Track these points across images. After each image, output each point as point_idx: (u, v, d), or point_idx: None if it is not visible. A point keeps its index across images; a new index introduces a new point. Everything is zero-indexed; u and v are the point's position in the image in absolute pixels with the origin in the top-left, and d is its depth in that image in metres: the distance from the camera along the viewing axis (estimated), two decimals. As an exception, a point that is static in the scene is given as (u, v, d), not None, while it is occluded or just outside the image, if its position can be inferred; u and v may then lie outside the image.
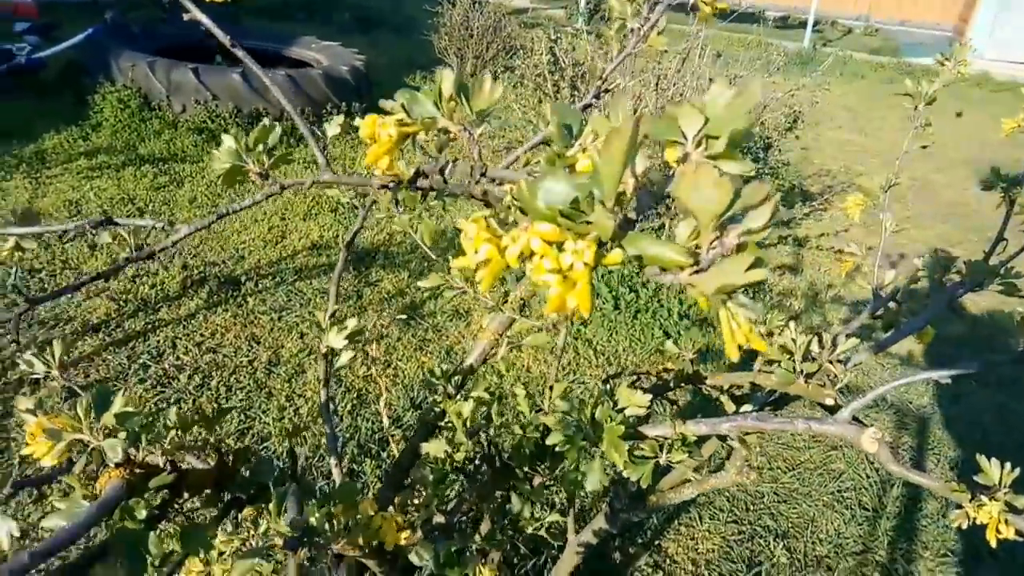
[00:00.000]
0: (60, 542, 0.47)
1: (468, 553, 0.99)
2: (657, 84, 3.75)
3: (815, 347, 0.97)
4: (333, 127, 0.63)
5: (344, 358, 1.12)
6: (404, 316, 3.47)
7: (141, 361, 2.89)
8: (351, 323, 1.09)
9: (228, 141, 0.68)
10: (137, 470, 0.56)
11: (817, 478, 2.84)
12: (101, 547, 0.56)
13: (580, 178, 0.34)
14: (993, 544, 0.81)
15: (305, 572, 0.52)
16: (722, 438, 1.04)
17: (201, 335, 3.12)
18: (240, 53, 0.84)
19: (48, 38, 5.93)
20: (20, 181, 4.20)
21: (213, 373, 2.89)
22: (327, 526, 0.57)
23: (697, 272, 0.32)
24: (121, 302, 3.23)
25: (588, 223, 0.32)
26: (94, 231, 0.77)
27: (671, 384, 1.15)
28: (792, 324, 1.01)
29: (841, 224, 6.36)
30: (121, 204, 4.12)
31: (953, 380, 1.00)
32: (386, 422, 1.34)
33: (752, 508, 2.65)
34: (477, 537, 1.08)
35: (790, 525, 2.59)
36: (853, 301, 4.43)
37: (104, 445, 0.50)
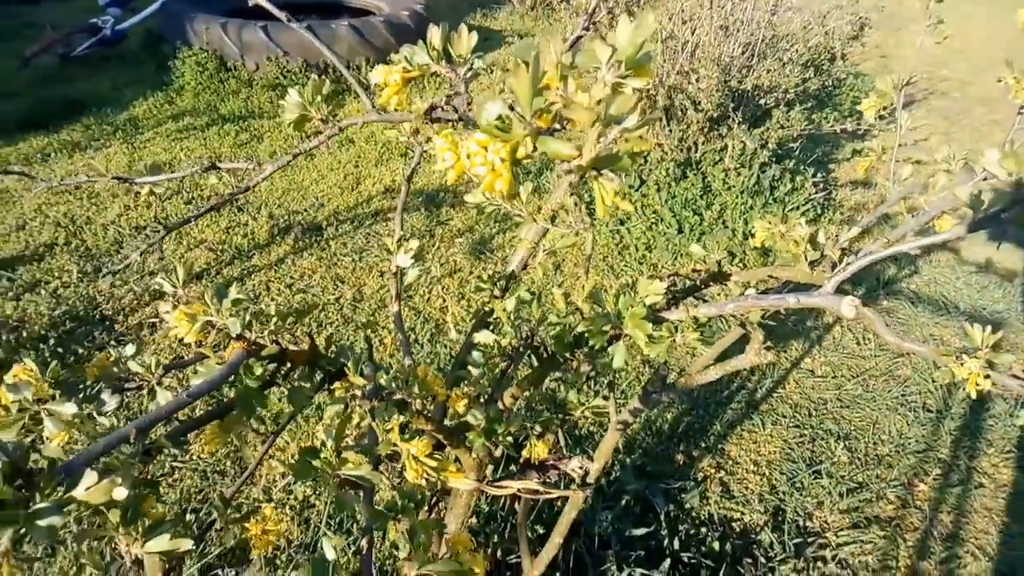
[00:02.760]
0: (203, 389, 0.66)
1: (526, 427, 1.17)
2: (712, 3, 3.72)
3: (821, 238, 1.08)
4: (376, 75, 0.78)
5: (411, 275, 1.29)
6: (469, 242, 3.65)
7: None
8: (413, 243, 1.26)
9: (293, 95, 0.84)
10: (250, 346, 0.75)
11: (882, 384, 2.91)
12: (227, 405, 0.76)
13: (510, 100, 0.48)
14: (973, 395, 0.92)
15: (377, 415, 0.70)
16: (743, 327, 1.17)
17: (291, 277, 3.40)
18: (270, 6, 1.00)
19: (128, 9, 6.26)
20: (118, 147, 4.56)
21: (284, 307, 3.16)
22: (393, 385, 0.75)
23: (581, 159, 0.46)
24: (218, 251, 3.54)
25: (509, 131, 0.46)
26: (205, 173, 0.96)
27: (699, 283, 1.28)
28: (803, 221, 1.12)
29: (920, 133, 6.12)
30: (154, 194, 4.40)
31: None
32: (453, 335, 1.52)
33: (815, 413, 2.75)
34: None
35: (852, 428, 2.68)
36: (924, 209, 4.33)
37: (227, 322, 0.69)
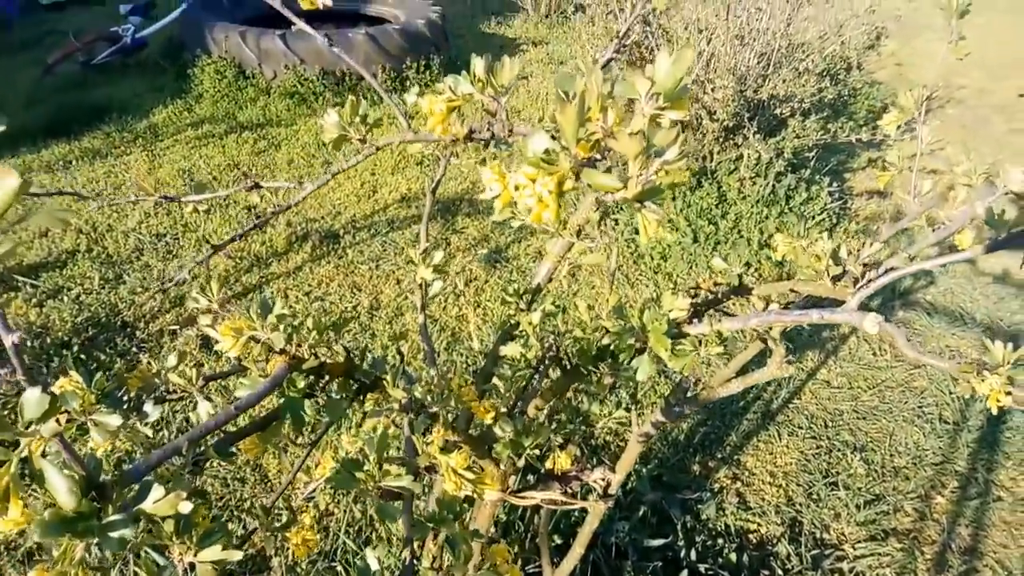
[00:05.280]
0: (250, 401, 0.68)
1: (548, 440, 1.18)
2: (728, 13, 3.73)
3: (843, 253, 1.09)
4: (411, 96, 0.80)
5: (436, 287, 1.32)
6: (486, 252, 3.68)
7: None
8: (438, 255, 1.29)
9: (332, 116, 0.87)
10: (292, 360, 0.78)
11: (898, 395, 2.90)
12: (267, 417, 0.78)
13: (553, 133, 0.50)
14: (994, 411, 0.93)
15: (415, 429, 0.72)
16: (763, 342, 1.18)
17: (308, 285, 3.44)
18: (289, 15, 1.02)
19: (148, 17, 6.34)
20: (138, 154, 4.62)
21: (322, 319, 3.19)
22: (428, 398, 0.77)
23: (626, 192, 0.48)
24: (237, 259, 3.58)
25: (555, 164, 0.48)
26: (248, 191, 0.99)
27: (720, 296, 1.29)
28: (825, 235, 1.14)
29: (937, 144, 6.09)
30: (228, 170, 4.47)
31: None
32: (476, 345, 1.54)
33: (831, 425, 2.75)
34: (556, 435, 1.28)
35: (868, 439, 2.68)
36: (944, 223, 4.32)
37: (271, 336, 0.71)
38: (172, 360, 0.85)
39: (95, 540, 0.42)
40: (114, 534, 0.42)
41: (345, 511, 2.14)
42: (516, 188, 0.49)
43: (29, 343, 2.80)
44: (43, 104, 5.27)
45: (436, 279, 1.30)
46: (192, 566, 0.58)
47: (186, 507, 0.45)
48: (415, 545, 0.63)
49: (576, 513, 2.08)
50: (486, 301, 3.36)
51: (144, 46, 6.20)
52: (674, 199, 4.03)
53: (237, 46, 5.52)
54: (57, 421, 0.40)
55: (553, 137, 0.52)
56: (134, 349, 2.90)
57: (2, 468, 0.40)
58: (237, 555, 0.57)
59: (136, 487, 0.48)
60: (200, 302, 1.00)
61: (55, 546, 0.43)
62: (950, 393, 2.88)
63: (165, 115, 5.21)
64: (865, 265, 1.07)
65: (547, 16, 8.33)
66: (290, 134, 5.02)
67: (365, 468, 0.63)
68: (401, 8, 6.68)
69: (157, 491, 0.44)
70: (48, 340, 2.86)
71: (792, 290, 1.20)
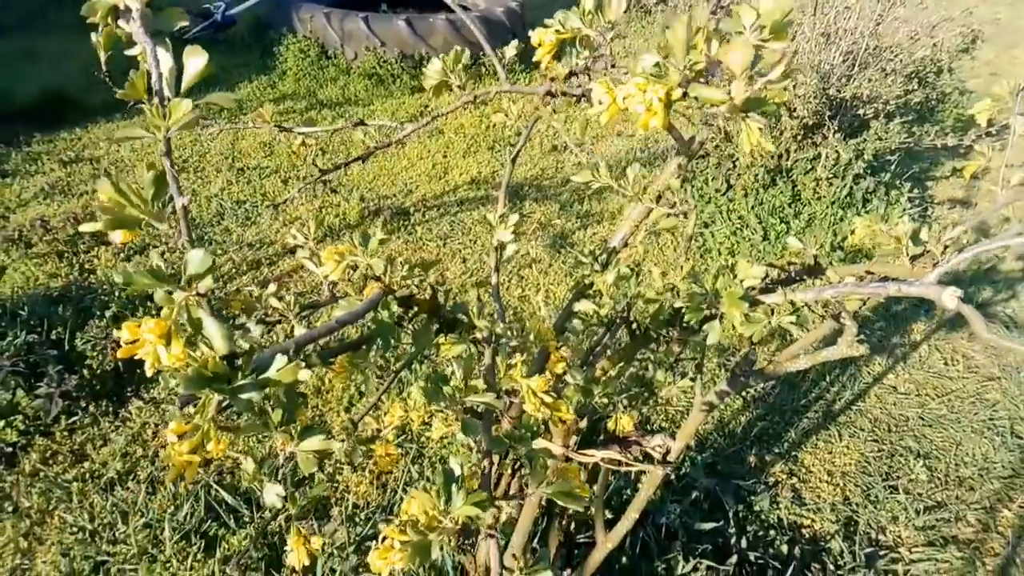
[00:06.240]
0: (349, 318, 0.74)
1: (612, 402, 1.22)
2: (815, 10, 3.67)
3: (924, 235, 1.09)
4: (511, 49, 0.85)
5: (511, 249, 1.36)
6: (551, 237, 3.71)
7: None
8: (513, 218, 1.33)
9: (436, 63, 0.92)
10: (387, 288, 0.83)
11: (968, 406, 2.82)
12: (361, 339, 0.84)
13: (663, 53, 0.53)
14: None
15: (496, 353, 0.77)
16: (835, 319, 1.18)
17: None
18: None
19: (238, -4, 6.57)
20: (222, 125, 4.81)
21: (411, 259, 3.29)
22: (508, 333, 0.81)
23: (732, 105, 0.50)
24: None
25: (664, 77, 0.52)
26: (353, 128, 1.05)
27: (794, 275, 1.30)
28: (906, 218, 1.13)
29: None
30: (305, 145, 4.61)
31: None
32: (543, 312, 1.58)
33: (895, 429, 2.69)
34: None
35: (933, 447, 2.61)
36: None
37: (372, 263, 0.77)
38: (272, 287, 0.91)
39: (227, 398, 0.47)
40: (243, 396, 0.48)
41: (403, 471, 2.21)
42: (624, 99, 0.53)
43: (117, 294, 2.98)
44: (138, 74, 5.52)
45: (512, 241, 1.34)
46: (292, 455, 0.64)
47: (305, 374, 0.50)
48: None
49: (628, 492, 2.10)
50: (549, 284, 3.39)
51: (233, 23, 6.43)
52: (746, 196, 3.99)
53: (322, 27, 5.68)
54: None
55: (664, 58, 0.55)
56: (212, 306, 3.04)
57: (165, 312, 0.46)
58: (336, 446, 0.62)
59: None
60: (297, 239, 1.07)
61: (194, 403, 0.49)
62: (1024, 408, 2.79)
63: (249, 90, 5.41)
64: (946, 246, 1.06)
65: (626, 10, 8.28)
66: (367, 113, 5.15)
67: (452, 383, 0.68)
68: (482, -4, 6.75)
69: (280, 360, 0.49)
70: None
71: (869, 272, 1.19)
